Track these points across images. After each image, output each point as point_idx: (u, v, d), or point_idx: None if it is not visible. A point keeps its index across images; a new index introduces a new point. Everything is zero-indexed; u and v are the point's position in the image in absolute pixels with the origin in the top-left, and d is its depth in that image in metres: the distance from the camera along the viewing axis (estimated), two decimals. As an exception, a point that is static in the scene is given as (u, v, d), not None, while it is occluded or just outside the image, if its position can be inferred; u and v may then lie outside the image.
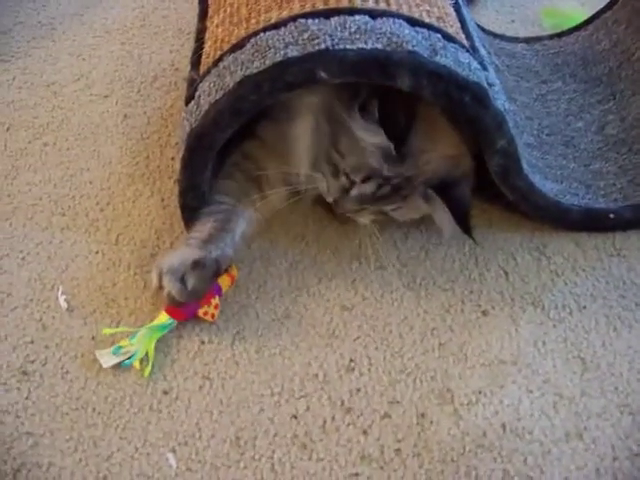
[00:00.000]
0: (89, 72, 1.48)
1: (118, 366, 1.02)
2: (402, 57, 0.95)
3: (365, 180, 1.06)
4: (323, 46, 0.95)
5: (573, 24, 1.49)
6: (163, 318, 1.04)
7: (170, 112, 1.38)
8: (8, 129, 1.37)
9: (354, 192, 1.07)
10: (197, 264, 1.03)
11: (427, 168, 1.06)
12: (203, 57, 1.12)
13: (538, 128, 1.28)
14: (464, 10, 1.19)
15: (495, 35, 1.49)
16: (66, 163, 1.30)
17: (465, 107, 1.00)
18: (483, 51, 1.15)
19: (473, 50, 1.08)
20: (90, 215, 1.22)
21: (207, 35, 1.16)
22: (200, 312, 1.05)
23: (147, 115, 1.38)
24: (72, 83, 1.46)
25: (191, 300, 1.04)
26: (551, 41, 1.47)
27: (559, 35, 1.48)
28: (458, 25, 1.12)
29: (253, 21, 1.06)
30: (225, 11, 1.15)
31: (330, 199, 1.11)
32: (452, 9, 1.15)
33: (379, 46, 0.96)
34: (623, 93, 1.32)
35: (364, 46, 0.96)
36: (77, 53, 1.52)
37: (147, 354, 1.02)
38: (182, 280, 1.02)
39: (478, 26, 1.37)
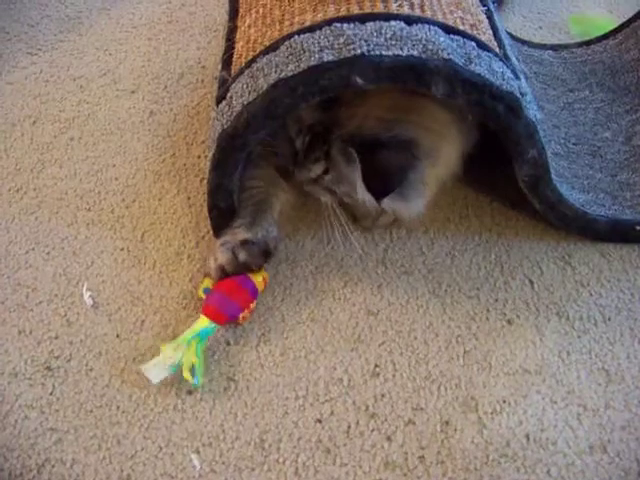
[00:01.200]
0: (116, 67, 1.48)
1: (142, 364, 1.01)
2: (438, 65, 0.95)
3: (297, 135, 1.06)
4: (359, 51, 0.95)
5: (601, 32, 1.48)
6: (204, 322, 1.02)
7: (197, 110, 1.39)
8: (34, 122, 1.37)
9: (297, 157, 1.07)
10: (246, 242, 1.06)
11: (350, 123, 1.03)
12: (235, 57, 1.12)
13: (565, 137, 1.27)
14: (496, 17, 1.19)
15: (523, 42, 1.49)
16: (92, 158, 1.31)
17: (498, 116, 0.99)
18: (514, 59, 1.14)
19: (506, 58, 1.08)
20: (116, 211, 1.22)
21: (238, 35, 1.16)
22: (241, 316, 1.04)
23: (174, 112, 1.39)
24: (99, 78, 1.46)
25: (241, 271, 1.05)
26: (579, 49, 1.46)
27: (587, 43, 1.47)
28: (491, 32, 1.11)
29: (287, 23, 1.06)
30: (257, 12, 1.14)
31: (290, 168, 1.10)
32: (484, 16, 1.14)
33: (415, 53, 0.96)
34: (651, 104, 1.32)
35: (400, 52, 0.95)
36: (104, 48, 1.53)
37: (194, 363, 1.00)
38: (233, 253, 1.05)
39: (507, 33, 1.36)
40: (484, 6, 1.17)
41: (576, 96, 1.37)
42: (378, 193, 1.03)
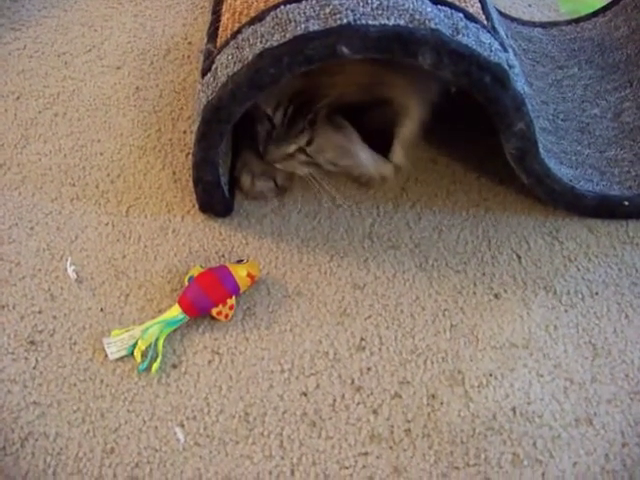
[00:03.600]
0: (101, 43, 1.46)
1: (125, 350, 1.00)
2: (425, 34, 0.94)
3: (276, 109, 1.07)
4: (345, 21, 0.94)
5: (590, 10, 1.48)
6: (175, 312, 1.01)
7: (183, 85, 1.37)
8: (18, 98, 1.35)
9: (274, 133, 1.08)
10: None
11: (332, 91, 1.04)
12: (220, 29, 1.11)
13: (554, 113, 1.26)
14: (484, -9, 1.18)
15: (512, 19, 1.48)
16: (76, 134, 1.29)
17: (485, 87, 0.99)
18: (502, 32, 1.13)
19: (494, 31, 1.07)
20: (100, 186, 1.20)
21: (224, 7, 1.15)
22: (214, 311, 1.02)
23: (159, 88, 1.37)
24: (83, 54, 1.44)
25: (280, 195, 1.18)
26: (568, 26, 1.45)
27: (576, 21, 1.46)
28: (479, 5, 1.11)
29: (273, -6, 1.05)
30: (244, -16, 1.13)
31: (261, 148, 1.11)
32: (473, -11, 1.14)
33: (401, 22, 0.95)
34: (640, 81, 1.31)
35: (386, 22, 0.94)
36: (89, 24, 1.51)
37: (155, 348, 1.00)
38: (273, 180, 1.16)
39: (496, 9, 1.35)
40: (472, -21, 1.16)
41: (565, 73, 1.36)
42: (382, 149, 1.05)
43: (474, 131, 1.15)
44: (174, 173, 1.22)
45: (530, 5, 1.59)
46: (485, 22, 1.07)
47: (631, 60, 1.34)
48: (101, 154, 1.25)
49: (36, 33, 1.49)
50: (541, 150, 1.08)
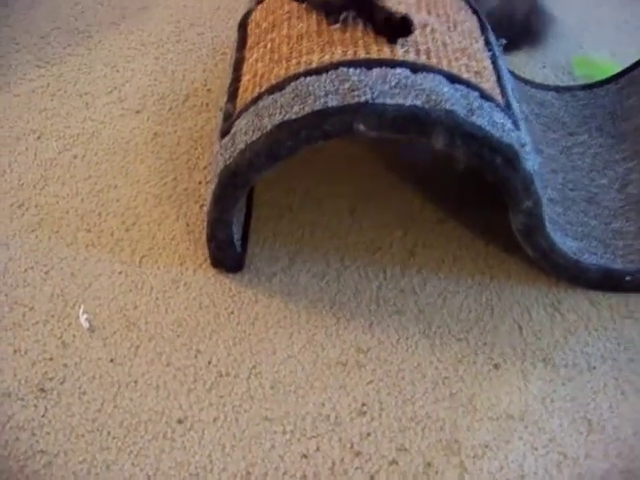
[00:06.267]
0: (122, 85, 1.50)
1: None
2: (440, 116, 0.97)
3: None
4: (363, 99, 0.97)
5: (604, 75, 1.49)
6: None
7: (200, 134, 1.40)
8: (39, 137, 1.38)
9: None
10: None
11: None
12: (240, 90, 1.14)
13: (562, 182, 1.28)
14: (500, 61, 1.21)
15: (526, 81, 1.49)
16: (94, 178, 1.32)
17: (496, 169, 1.02)
18: (516, 105, 1.16)
19: (507, 107, 1.09)
20: (115, 234, 1.23)
21: (245, 67, 1.18)
22: None
23: (177, 135, 1.40)
24: (105, 95, 1.48)
25: None
26: (581, 92, 1.47)
27: (590, 86, 1.48)
28: (494, 79, 1.13)
29: (294, 62, 1.08)
30: (265, 46, 1.16)
31: None
32: (489, 61, 1.16)
33: (418, 103, 0.98)
34: (647, 152, 1.33)
35: (403, 102, 0.98)
36: (112, 64, 1.54)
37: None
38: None
39: (510, 72, 1.38)
40: (489, 51, 1.19)
41: (575, 140, 1.38)
42: None
43: (483, 199, 1.18)
44: (188, 225, 1.25)
45: (544, 66, 1.61)
46: (500, 98, 1.10)
47: (639, 131, 1.37)
48: (117, 200, 1.28)
49: (60, 71, 1.52)
50: (547, 224, 1.10)
